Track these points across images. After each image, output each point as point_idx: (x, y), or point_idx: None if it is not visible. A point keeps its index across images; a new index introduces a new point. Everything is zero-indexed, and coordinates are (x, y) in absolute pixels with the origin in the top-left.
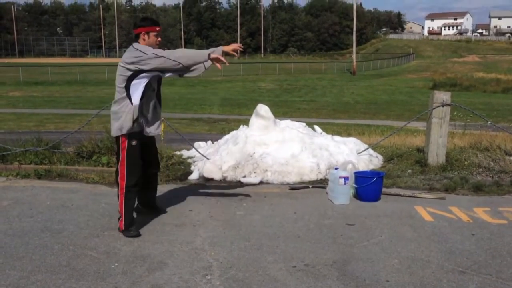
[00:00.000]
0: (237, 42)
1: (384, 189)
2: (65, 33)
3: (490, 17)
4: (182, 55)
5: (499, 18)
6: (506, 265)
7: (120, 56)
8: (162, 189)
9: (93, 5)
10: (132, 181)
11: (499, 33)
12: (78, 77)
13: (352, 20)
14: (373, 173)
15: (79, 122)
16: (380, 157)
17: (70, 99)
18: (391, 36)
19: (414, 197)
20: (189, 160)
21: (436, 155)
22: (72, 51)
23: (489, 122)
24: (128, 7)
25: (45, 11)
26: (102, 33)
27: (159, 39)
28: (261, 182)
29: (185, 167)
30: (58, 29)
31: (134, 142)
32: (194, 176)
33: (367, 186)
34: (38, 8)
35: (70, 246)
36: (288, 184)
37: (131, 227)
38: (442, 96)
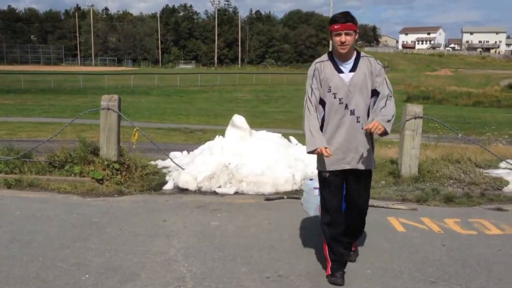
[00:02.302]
0: (214, 53)
1: None
2: (39, 40)
3: (462, 32)
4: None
5: (471, 33)
6: (476, 275)
7: (96, 65)
8: (136, 199)
9: (68, 13)
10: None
11: (471, 48)
12: (52, 85)
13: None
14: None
15: (52, 131)
16: None
17: (43, 107)
18: (367, 49)
19: (387, 208)
20: (164, 170)
21: (408, 166)
22: (47, 59)
23: (460, 134)
24: (105, 16)
25: (20, 18)
26: (78, 41)
27: (341, 38)
28: (236, 193)
29: (160, 177)
30: (32, 36)
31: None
32: (168, 186)
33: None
34: (12, 15)
35: (40, 257)
36: (263, 194)
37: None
38: (415, 109)
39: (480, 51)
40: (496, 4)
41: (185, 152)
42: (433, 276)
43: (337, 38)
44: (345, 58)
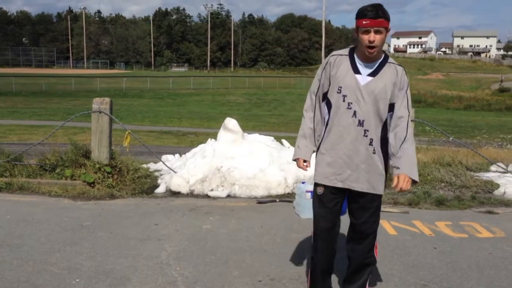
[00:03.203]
0: (207, 56)
1: None
2: (31, 43)
3: (453, 36)
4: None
5: (462, 37)
6: (467, 278)
7: (88, 67)
8: (127, 202)
9: (60, 15)
10: None
11: (462, 52)
12: (43, 88)
13: (321, 36)
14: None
15: (44, 134)
16: None
17: (34, 110)
18: None
19: None
20: (156, 173)
21: None
22: (38, 62)
23: (451, 138)
24: (97, 19)
25: (11, 21)
26: (70, 44)
27: (370, 37)
28: (228, 196)
29: (152, 181)
30: (24, 39)
31: None
32: (161, 190)
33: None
34: (4, 18)
35: (30, 261)
36: (255, 198)
37: None
38: None
39: (471, 55)
40: (487, 9)
41: (177, 155)
42: (425, 279)
43: (365, 36)
44: (368, 58)
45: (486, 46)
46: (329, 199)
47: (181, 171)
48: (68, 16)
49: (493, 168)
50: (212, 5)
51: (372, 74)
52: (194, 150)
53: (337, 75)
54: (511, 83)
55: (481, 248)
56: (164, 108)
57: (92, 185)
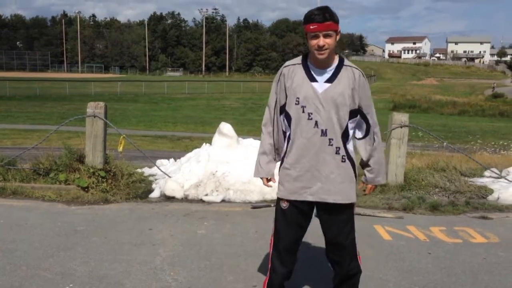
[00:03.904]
0: (202, 60)
1: None
2: (25, 47)
3: (447, 42)
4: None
5: (456, 43)
6: (461, 283)
7: (83, 71)
8: (122, 207)
9: (55, 19)
10: None
11: (456, 57)
12: (37, 92)
13: None
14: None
15: (38, 138)
16: None
17: (28, 114)
18: (353, 58)
19: (373, 216)
20: (151, 178)
21: (395, 175)
22: (33, 66)
23: (445, 143)
24: (92, 23)
25: (5, 24)
26: (64, 48)
27: (319, 41)
28: (223, 201)
29: (146, 185)
30: (18, 43)
31: None
32: (155, 194)
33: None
34: None
35: (23, 266)
36: (250, 202)
37: None
38: (401, 117)
39: (465, 61)
40: (480, 15)
41: (172, 160)
42: (419, 284)
43: (314, 41)
44: (323, 64)
45: (480, 52)
46: (295, 215)
47: (176, 175)
48: (63, 20)
49: (487, 173)
50: (207, 9)
51: (329, 80)
52: (188, 154)
53: (293, 86)
54: (505, 89)
55: (475, 254)
56: (159, 113)
57: (86, 189)
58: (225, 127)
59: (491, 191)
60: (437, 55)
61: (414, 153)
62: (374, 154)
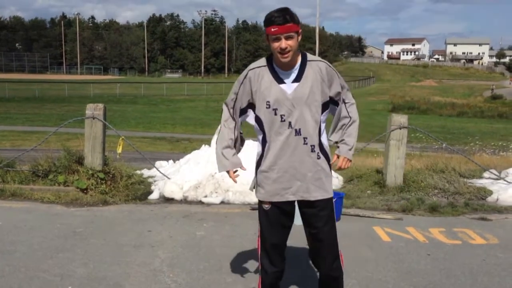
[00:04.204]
0: (201, 62)
1: (344, 210)
2: (24, 48)
3: (446, 43)
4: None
5: (455, 44)
6: (460, 284)
7: (82, 73)
8: (121, 208)
9: (54, 21)
10: None
11: (455, 59)
12: (36, 94)
13: (315, 43)
14: (333, 193)
15: (37, 140)
16: (341, 177)
17: (27, 116)
18: (352, 59)
19: (372, 217)
20: (150, 180)
21: (394, 176)
22: (32, 67)
23: (444, 145)
24: (91, 24)
25: (4, 26)
26: (63, 50)
27: (281, 44)
28: (222, 202)
29: (145, 187)
30: (17, 44)
31: None
32: (154, 196)
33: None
34: None
35: (22, 268)
36: (249, 204)
37: None
38: (400, 119)
39: (464, 62)
40: (479, 16)
41: (171, 162)
42: (418, 285)
43: (276, 44)
44: (287, 66)
45: (479, 53)
46: (278, 216)
47: (175, 177)
48: (62, 22)
49: (486, 174)
50: (206, 11)
51: (297, 80)
52: (187, 156)
53: (262, 90)
54: (504, 90)
55: (475, 255)
56: (158, 114)
57: (85, 191)
58: None
59: (490, 193)
60: (436, 56)
61: (413, 154)
62: (348, 129)
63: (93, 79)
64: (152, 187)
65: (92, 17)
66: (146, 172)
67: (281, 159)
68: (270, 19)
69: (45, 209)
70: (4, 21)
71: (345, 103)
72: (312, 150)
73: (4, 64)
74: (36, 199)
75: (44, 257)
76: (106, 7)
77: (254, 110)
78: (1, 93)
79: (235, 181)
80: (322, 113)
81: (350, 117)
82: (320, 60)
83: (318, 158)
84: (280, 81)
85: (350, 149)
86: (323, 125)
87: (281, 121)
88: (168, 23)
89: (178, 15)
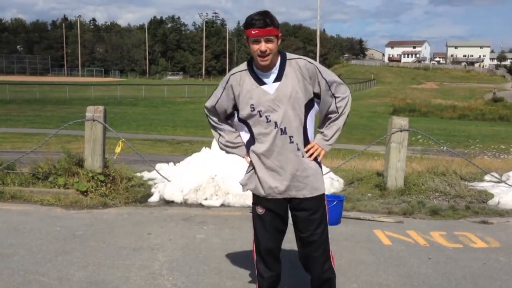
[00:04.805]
0: (202, 64)
1: (344, 213)
2: (25, 51)
3: (447, 46)
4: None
5: (456, 47)
6: None
7: (83, 75)
8: (120, 211)
9: (55, 23)
10: None
11: (456, 61)
12: (37, 96)
13: (316, 45)
14: (333, 196)
15: (37, 142)
16: (341, 180)
17: (28, 118)
18: (353, 62)
19: (373, 220)
20: (150, 182)
21: (394, 179)
22: (33, 69)
23: (445, 148)
24: (92, 26)
25: (6, 28)
26: (64, 52)
27: (261, 47)
28: (222, 205)
29: (145, 189)
30: (18, 46)
31: None
32: (154, 199)
33: (328, 209)
34: None
35: (21, 271)
36: (249, 207)
37: None
38: (400, 121)
39: (465, 65)
40: (480, 19)
41: (171, 164)
42: None
43: (256, 47)
44: (267, 67)
45: (480, 56)
46: (272, 220)
47: (175, 180)
48: (63, 24)
49: (487, 177)
50: (207, 13)
51: (277, 79)
52: (188, 158)
53: (244, 94)
54: (505, 93)
55: (476, 259)
56: (159, 116)
57: (85, 193)
58: None
59: (491, 196)
60: (437, 59)
61: (414, 157)
62: (332, 123)
63: (94, 81)
64: (152, 190)
65: (94, 20)
66: (146, 175)
67: (269, 159)
68: (250, 22)
69: (45, 211)
70: (6, 23)
71: (335, 97)
72: (298, 149)
73: (5, 66)
74: (36, 201)
75: (43, 260)
76: (108, 9)
77: (239, 114)
78: (2, 95)
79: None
80: (307, 111)
81: (338, 112)
82: (299, 58)
83: (303, 156)
84: (261, 82)
85: (326, 140)
86: (309, 124)
87: (267, 122)
88: (169, 25)
89: (179, 18)
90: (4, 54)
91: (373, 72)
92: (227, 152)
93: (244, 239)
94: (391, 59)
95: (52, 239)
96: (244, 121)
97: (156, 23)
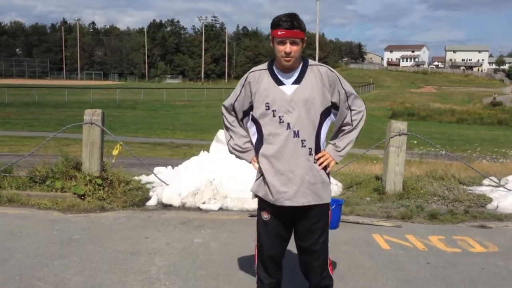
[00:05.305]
0: (201, 68)
1: (342, 217)
2: (24, 54)
3: (445, 50)
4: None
5: (454, 51)
6: None
7: (82, 79)
8: (118, 215)
9: (54, 26)
10: None
11: (454, 66)
12: (36, 99)
13: (315, 49)
14: (332, 200)
15: (35, 145)
16: (340, 184)
17: (27, 121)
18: (352, 65)
19: (371, 225)
20: (148, 186)
21: (393, 183)
22: (32, 73)
23: (443, 152)
24: (91, 30)
25: (5, 31)
26: (63, 55)
27: (286, 48)
28: (220, 209)
29: (143, 193)
30: (17, 49)
31: None
32: (152, 202)
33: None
34: None
35: (17, 276)
36: (247, 210)
37: None
38: (399, 125)
39: (463, 69)
40: (479, 24)
41: (169, 167)
42: None
43: (281, 47)
44: (289, 68)
45: (478, 60)
46: (277, 226)
47: (173, 183)
48: (62, 27)
49: (485, 182)
50: (206, 17)
51: (297, 81)
52: (186, 162)
53: (261, 92)
54: (504, 97)
55: (474, 263)
56: (158, 120)
57: (82, 197)
58: (223, 135)
59: (490, 200)
60: (436, 63)
61: (413, 161)
62: (345, 135)
63: (93, 84)
64: (150, 193)
65: (93, 23)
66: (144, 178)
67: (279, 161)
68: (277, 23)
69: (42, 215)
70: (5, 27)
71: (351, 110)
72: (310, 153)
73: (4, 69)
74: (33, 205)
75: (39, 264)
76: (107, 13)
77: (253, 112)
78: (0, 98)
79: (257, 167)
80: (323, 119)
81: (352, 125)
82: (321, 65)
83: (315, 162)
84: (279, 83)
85: (338, 151)
86: (323, 132)
87: (280, 122)
88: (169, 29)
89: (178, 21)
90: (3, 57)
91: (372, 76)
92: (236, 156)
93: (242, 243)
94: (390, 63)
95: (48, 243)
96: (255, 121)
97: (155, 27)
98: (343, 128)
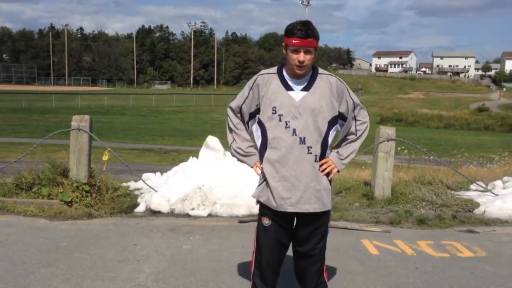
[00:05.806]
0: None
1: (331, 222)
2: (12, 59)
3: (433, 56)
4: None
5: (441, 57)
6: None
7: (70, 84)
8: (106, 222)
9: (42, 32)
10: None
11: (441, 72)
12: (23, 105)
13: None
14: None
15: (23, 152)
16: None
17: (14, 127)
18: (341, 71)
19: (360, 230)
20: (136, 192)
21: (382, 188)
22: (19, 78)
23: (431, 157)
24: (79, 35)
25: None
26: (51, 61)
27: (299, 57)
28: (209, 215)
29: (131, 199)
30: (4, 55)
31: None
32: (140, 209)
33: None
34: None
35: (1, 284)
36: (237, 216)
37: None
38: (387, 131)
39: (450, 75)
40: (465, 30)
41: (158, 174)
42: None
43: (294, 56)
44: (298, 75)
45: (465, 66)
46: (277, 233)
47: (162, 189)
48: (50, 33)
49: (473, 187)
50: (195, 23)
51: (306, 89)
52: (175, 168)
53: (269, 95)
54: (490, 103)
55: (463, 268)
56: (147, 126)
57: (69, 204)
58: (212, 141)
59: (477, 205)
60: (423, 69)
61: (401, 166)
62: (349, 144)
63: (81, 90)
64: (139, 200)
65: (81, 29)
66: (132, 185)
67: (284, 167)
68: (292, 31)
69: (28, 222)
70: None
71: (356, 120)
72: (316, 160)
73: None
74: (19, 212)
75: (25, 272)
76: (95, 18)
77: (259, 115)
78: None
79: (259, 173)
80: (330, 127)
81: (356, 134)
82: (331, 75)
83: (319, 169)
84: (288, 88)
85: (341, 159)
86: (329, 139)
87: (286, 127)
88: (157, 34)
89: (167, 27)
90: None
91: (360, 81)
92: (237, 159)
93: (232, 250)
94: (378, 69)
95: (35, 251)
96: (261, 124)
97: (144, 32)
98: (348, 137)
